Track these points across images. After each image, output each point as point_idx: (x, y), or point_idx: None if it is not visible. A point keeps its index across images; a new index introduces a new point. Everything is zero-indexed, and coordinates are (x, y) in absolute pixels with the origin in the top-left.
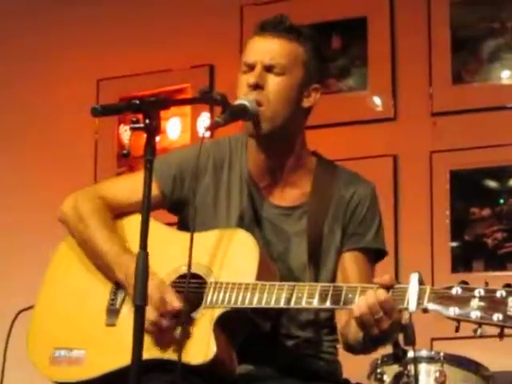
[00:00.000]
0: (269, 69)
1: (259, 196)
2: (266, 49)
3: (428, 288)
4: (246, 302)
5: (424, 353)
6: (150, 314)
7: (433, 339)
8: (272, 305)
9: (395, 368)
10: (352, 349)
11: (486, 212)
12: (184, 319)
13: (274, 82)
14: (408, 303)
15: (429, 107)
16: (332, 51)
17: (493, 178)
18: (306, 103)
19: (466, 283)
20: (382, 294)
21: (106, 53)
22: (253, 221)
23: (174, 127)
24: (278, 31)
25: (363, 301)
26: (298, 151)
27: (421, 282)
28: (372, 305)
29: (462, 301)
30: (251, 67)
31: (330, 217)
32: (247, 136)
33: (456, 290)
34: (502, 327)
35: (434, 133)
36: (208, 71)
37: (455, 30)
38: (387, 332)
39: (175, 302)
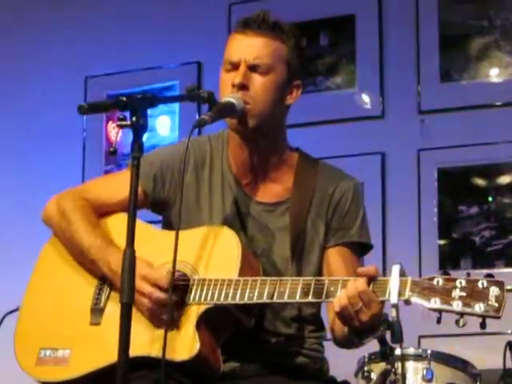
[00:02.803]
0: (253, 68)
1: (242, 193)
2: (249, 48)
3: (409, 279)
4: (229, 298)
5: (411, 350)
6: (144, 287)
7: (420, 337)
8: (255, 300)
9: (382, 365)
10: (340, 344)
11: (474, 210)
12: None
13: (258, 82)
14: (389, 295)
15: (417, 105)
16: (320, 49)
17: (481, 175)
18: (288, 100)
19: (448, 273)
20: (360, 285)
21: (93, 50)
22: (236, 218)
23: (162, 125)
24: (261, 29)
25: (343, 293)
26: (280, 147)
27: (402, 274)
28: (351, 296)
29: (444, 291)
30: (235, 66)
31: (313, 212)
32: (228, 133)
33: (437, 281)
34: (484, 317)
35: (421, 130)
36: (196, 69)
37: (443, 27)
38: (367, 324)
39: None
